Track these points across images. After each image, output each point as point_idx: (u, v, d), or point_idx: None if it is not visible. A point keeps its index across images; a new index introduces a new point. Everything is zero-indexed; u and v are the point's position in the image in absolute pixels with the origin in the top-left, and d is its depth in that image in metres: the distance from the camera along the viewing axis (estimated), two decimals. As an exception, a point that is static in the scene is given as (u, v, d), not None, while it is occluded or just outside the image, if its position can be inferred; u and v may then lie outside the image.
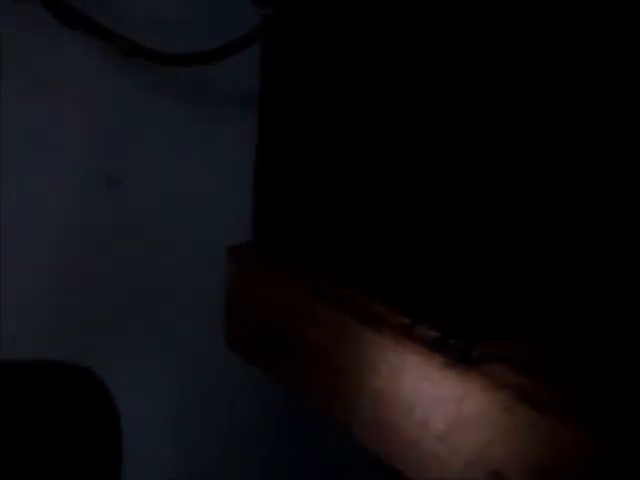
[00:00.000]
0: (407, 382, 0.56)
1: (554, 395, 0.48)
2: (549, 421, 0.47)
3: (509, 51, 0.53)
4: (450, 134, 0.57)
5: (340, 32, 0.64)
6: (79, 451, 0.56)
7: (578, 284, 0.53)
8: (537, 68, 0.52)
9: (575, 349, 0.52)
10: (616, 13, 0.48)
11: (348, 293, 0.63)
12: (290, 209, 0.73)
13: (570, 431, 0.46)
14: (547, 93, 0.52)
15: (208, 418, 0.90)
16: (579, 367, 0.51)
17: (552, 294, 0.53)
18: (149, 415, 0.85)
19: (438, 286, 0.59)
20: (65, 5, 0.70)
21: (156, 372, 0.85)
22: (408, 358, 0.55)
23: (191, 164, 0.83)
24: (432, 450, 0.54)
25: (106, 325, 0.82)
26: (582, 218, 0.52)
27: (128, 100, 0.78)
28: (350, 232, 0.66)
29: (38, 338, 0.77)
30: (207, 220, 0.84)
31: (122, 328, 0.83)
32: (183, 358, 0.86)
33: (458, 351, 0.52)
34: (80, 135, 0.77)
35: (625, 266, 0.51)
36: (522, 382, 0.49)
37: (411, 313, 0.58)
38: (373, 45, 0.62)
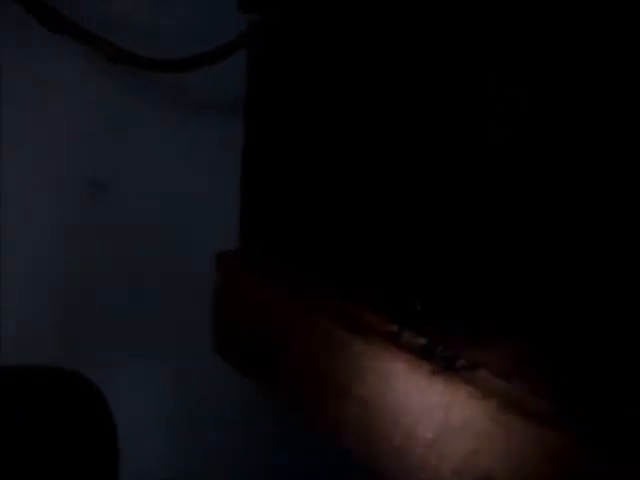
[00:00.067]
0: (394, 390, 0.56)
1: (540, 403, 0.48)
2: (535, 429, 0.47)
3: (483, 57, 0.53)
4: (426, 140, 0.57)
5: (323, 39, 0.64)
6: (74, 457, 0.56)
7: (565, 289, 0.53)
8: (511, 74, 0.52)
9: (562, 356, 0.52)
10: (592, 18, 0.49)
11: (335, 300, 0.63)
12: (277, 214, 0.73)
13: (557, 439, 0.46)
14: (522, 99, 0.52)
15: (197, 421, 0.90)
16: (567, 375, 0.51)
17: (540, 299, 0.53)
18: (141, 416, 0.85)
19: (427, 292, 0.59)
20: (51, 10, 0.70)
21: (145, 374, 0.86)
22: (395, 366, 0.55)
23: (177, 170, 0.83)
24: (420, 458, 0.54)
25: (102, 327, 0.82)
26: (559, 223, 0.52)
27: (114, 105, 0.78)
28: (337, 238, 0.66)
29: (38, 338, 0.77)
30: (193, 225, 0.85)
31: (118, 329, 0.83)
32: (172, 362, 0.86)
33: (444, 359, 0.52)
34: (65, 139, 0.77)
35: (609, 272, 0.51)
36: (508, 390, 0.49)
37: (398, 320, 0.58)
38: (353, 52, 0.62)
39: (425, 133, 0.57)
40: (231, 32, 0.73)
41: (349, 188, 0.64)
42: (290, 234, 0.71)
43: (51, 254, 0.79)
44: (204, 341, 0.76)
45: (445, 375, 0.51)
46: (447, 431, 0.52)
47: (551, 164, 0.51)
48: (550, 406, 0.48)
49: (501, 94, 0.53)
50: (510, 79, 0.53)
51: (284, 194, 0.71)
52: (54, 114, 0.76)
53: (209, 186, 0.84)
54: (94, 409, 0.58)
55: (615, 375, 0.49)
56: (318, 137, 0.67)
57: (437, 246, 0.58)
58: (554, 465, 0.46)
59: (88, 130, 0.78)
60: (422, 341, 0.55)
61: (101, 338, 0.82)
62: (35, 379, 0.58)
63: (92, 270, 0.81)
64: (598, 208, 0.50)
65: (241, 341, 0.73)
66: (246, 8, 0.70)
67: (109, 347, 0.83)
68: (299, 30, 0.67)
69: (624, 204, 0.49)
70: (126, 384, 0.81)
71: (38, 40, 0.72)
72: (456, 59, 0.55)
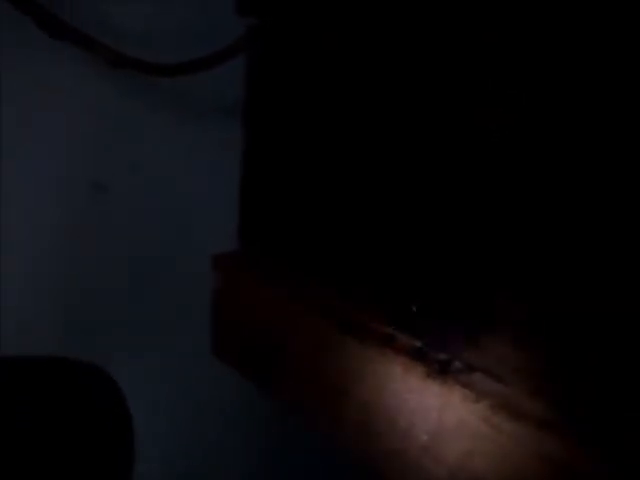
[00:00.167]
0: (391, 392, 0.56)
1: (537, 405, 0.49)
2: (530, 430, 0.47)
3: (483, 57, 0.53)
4: (426, 142, 0.57)
5: (321, 42, 0.65)
6: (91, 448, 0.55)
7: (565, 289, 0.53)
8: (511, 74, 0.52)
9: (561, 356, 0.52)
10: (592, 18, 0.49)
11: (333, 302, 0.63)
12: (276, 215, 0.73)
13: (555, 440, 0.46)
14: (522, 99, 0.52)
15: (197, 421, 0.90)
16: (566, 375, 0.51)
17: (540, 299, 0.53)
18: (141, 416, 0.85)
19: (423, 293, 0.59)
20: (52, 16, 0.70)
21: (145, 374, 0.86)
22: (391, 368, 0.56)
23: (176, 171, 0.83)
24: (416, 460, 0.54)
25: (102, 327, 0.83)
26: (558, 223, 0.52)
27: (114, 108, 0.78)
28: (336, 240, 0.66)
29: (38, 338, 0.78)
30: (193, 225, 0.85)
31: (116, 329, 0.84)
32: (173, 362, 0.87)
33: (439, 361, 0.52)
34: (65, 141, 0.77)
35: (609, 272, 0.51)
36: (502, 392, 0.49)
37: (394, 322, 0.58)
38: (351, 55, 0.62)
39: (425, 134, 0.57)
40: (230, 36, 0.73)
41: (348, 189, 0.64)
42: (289, 235, 0.71)
43: (51, 254, 0.79)
44: (204, 341, 0.77)
45: (439, 378, 0.52)
46: (443, 433, 0.52)
47: (551, 164, 0.51)
48: (548, 407, 0.48)
49: (501, 94, 0.53)
50: (510, 79, 0.52)
51: (283, 195, 0.71)
52: (54, 117, 0.76)
53: (209, 187, 0.84)
54: (111, 400, 0.58)
55: (615, 375, 0.49)
56: (317, 138, 0.67)
57: (435, 247, 0.58)
58: (550, 465, 0.46)
59: (88, 132, 0.78)
60: (417, 344, 0.55)
61: (101, 338, 0.83)
62: (48, 369, 0.58)
63: (92, 270, 0.82)
64: (598, 208, 0.50)
65: (240, 342, 0.73)
66: (244, 12, 0.70)
67: (109, 347, 0.83)
68: (297, 33, 0.67)
69: (624, 204, 0.49)
70: (126, 384, 0.81)
71: (38, 44, 0.72)
72: (456, 59, 0.55)
